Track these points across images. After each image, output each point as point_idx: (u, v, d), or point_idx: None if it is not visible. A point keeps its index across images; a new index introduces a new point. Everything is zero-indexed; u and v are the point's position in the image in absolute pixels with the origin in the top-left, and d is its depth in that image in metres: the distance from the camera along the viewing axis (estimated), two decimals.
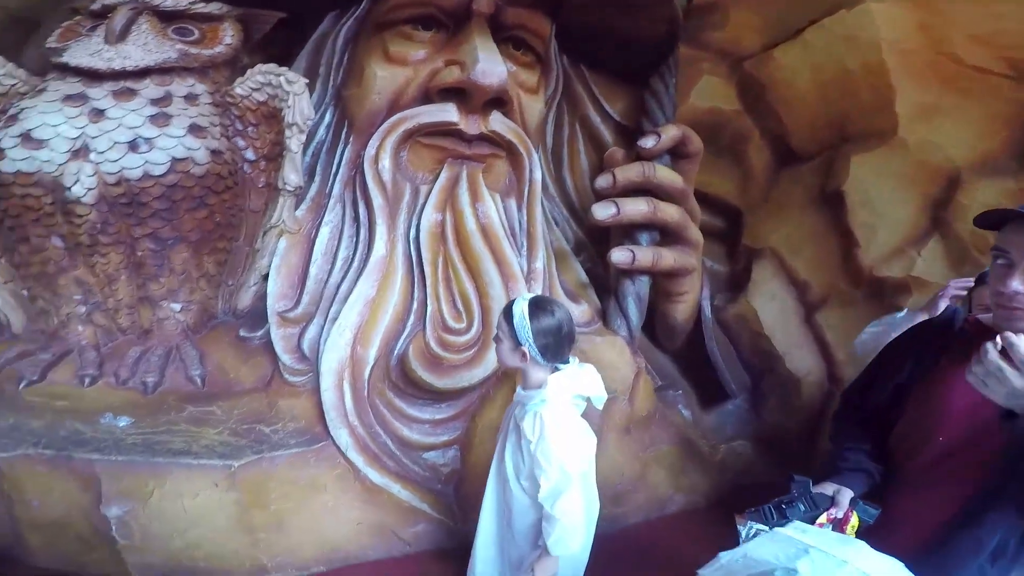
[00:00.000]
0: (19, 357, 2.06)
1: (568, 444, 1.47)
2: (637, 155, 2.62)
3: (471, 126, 2.23)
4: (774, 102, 3.06)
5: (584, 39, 2.73)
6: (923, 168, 2.78)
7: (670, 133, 2.60)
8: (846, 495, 1.32)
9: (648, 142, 2.56)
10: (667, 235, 2.62)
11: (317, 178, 2.30)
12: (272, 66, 2.22)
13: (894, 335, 1.69)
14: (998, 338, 1.05)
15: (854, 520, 1.31)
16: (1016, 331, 1.08)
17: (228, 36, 2.29)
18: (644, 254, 2.49)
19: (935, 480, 1.27)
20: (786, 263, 2.99)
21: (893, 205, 2.77)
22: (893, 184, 2.79)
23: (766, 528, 1.24)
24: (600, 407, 1.63)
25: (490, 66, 2.14)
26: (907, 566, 1.17)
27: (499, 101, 2.26)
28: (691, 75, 3.09)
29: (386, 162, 2.19)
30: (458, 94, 2.20)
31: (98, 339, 2.15)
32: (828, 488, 1.34)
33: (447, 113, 2.20)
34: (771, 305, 2.93)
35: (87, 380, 2.05)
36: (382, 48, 2.29)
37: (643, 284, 2.58)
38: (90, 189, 1.95)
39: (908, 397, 1.34)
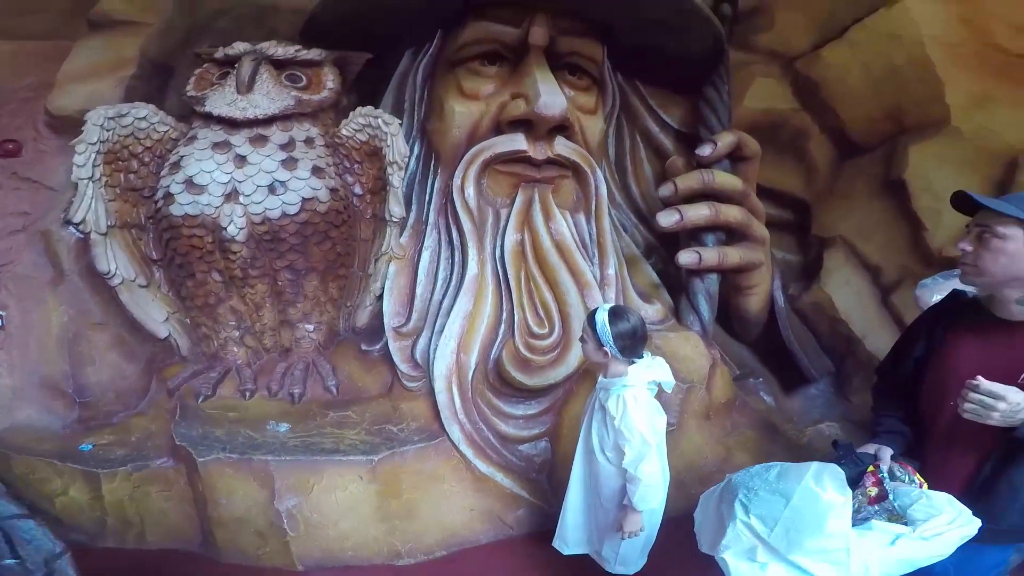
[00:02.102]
0: (192, 376, 2.61)
1: (646, 419, 1.83)
2: (697, 163, 2.91)
3: (539, 152, 2.62)
4: (829, 99, 3.28)
5: (635, 58, 3.06)
6: (981, 153, 2.97)
7: (726, 140, 2.88)
8: (886, 452, 1.55)
9: (705, 150, 2.86)
10: (732, 234, 2.89)
11: (413, 207, 2.74)
12: (370, 108, 2.62)
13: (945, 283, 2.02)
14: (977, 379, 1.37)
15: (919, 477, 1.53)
16: (968, 283, 1.48)
17: (330, 80, 2.68)
18: (710, 254, 2.78)
19: (955, 439, 1.50)
20: (857, 249, 3.19)
21: (955, 189, 2.87)
22: (953, 170, 2.96)
23: None
24: (669, 391, 2.00)
25: (551, 98, 2.51)
26: None
27: (561, 127, 2.63)
28: (744, 78, 3.34)
29: (471, 190, 2.61)
30: (525, 124, 2.59)
31: (249, 358, 2.69)
32: (870, 448, 1.59)
33: (517, 142, 2.60)
34: (846, 290, 3.14)
35: (247, 394, 2.58)
36: (456, 84, 2.70)
37: (712, 281, 2.87)
38: (241, 228, 2.42)
39: (926, 368, 1.60)
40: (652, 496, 1.85)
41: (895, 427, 1.66)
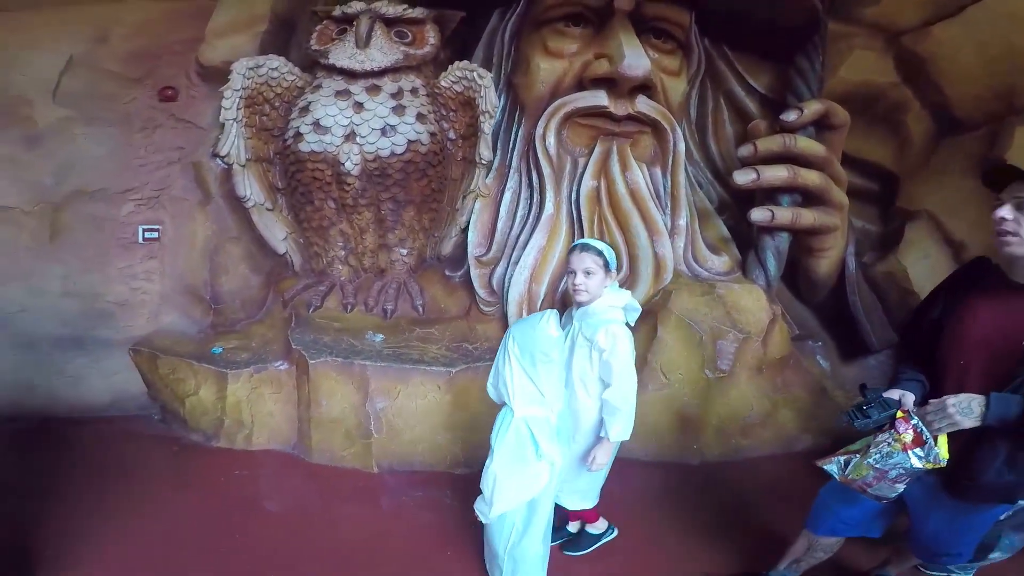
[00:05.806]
0: (304, 289, 3.16)
1: (631, 352, 1.93)
2: (781, 128, 3.07)
3: (619, 108, 2.90)
4: (935, 75, 3.33)
5: (725, 24, 3.25)
6: None
7: (812, 108, 3.01)
8: (909, 397, 1.70)
9: (790, 116, 3.01)
10: (810, 198, 3.04)
11: (498, 152, 3.13)
12: (467, 63, 3.02)
13: None
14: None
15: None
16: (1004, 253, 1.57)
17: (431, 37, 3.10)
18: (783, 213, 2.97)
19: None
20: (943, 224, 3.27)
21: None
22: None
23: (852, 456, 1.70)
24: (632, 321, 2.01)
25: (635, 60, 2.78)
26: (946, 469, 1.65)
27: (644, 87, 2.90)
28: (842, 50, 3.40)
29: (551, 140, 2.96)
30: (608, 82, 2.87)
31: (351, 276, 3.21)
32: (895, 394, 1.71)
33: (599, 98, 2.90)
34: (923, 263, 3.24)
35: (348, 307, 3.10)
36: (542, 43, 3.02)
37: (783, 239, 3.07)
38: (356, 164, 2.91)
39: (942, 328, 1.75)
40: (630, 427, 1.95)
41: (916, 376, 1.82)
